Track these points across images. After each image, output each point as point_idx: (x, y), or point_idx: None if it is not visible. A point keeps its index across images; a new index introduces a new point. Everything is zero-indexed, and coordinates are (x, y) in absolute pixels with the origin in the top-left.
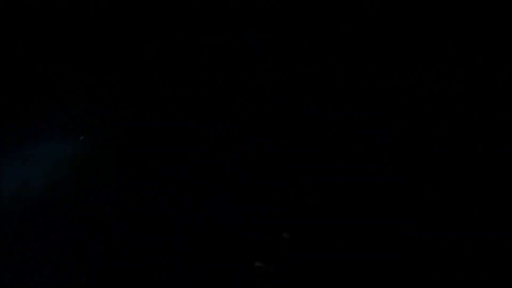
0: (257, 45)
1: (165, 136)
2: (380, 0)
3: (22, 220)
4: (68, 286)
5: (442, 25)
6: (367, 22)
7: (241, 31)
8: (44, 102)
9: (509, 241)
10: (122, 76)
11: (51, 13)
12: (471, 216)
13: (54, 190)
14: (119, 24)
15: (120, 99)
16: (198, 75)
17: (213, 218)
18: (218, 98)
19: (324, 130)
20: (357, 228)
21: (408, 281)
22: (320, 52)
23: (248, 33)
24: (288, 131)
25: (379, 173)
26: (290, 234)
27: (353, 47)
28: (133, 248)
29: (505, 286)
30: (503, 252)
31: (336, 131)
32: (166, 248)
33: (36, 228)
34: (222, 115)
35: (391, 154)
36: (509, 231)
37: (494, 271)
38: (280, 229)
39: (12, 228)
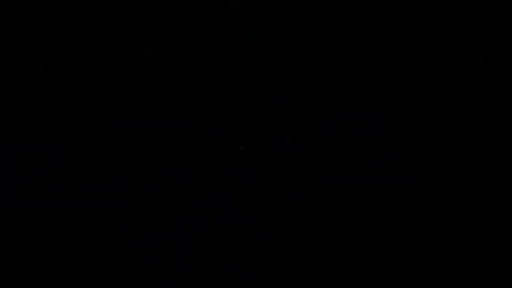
0: (257, 45)
1: (165, 136)
2: (380, 0)
3: (21, 220)
4: (68, 286)
5: (442, 25)
6: (367, 22)
7: (241, 31)
8: (44, 102)
9: (509, 241)
10: (122, 76)
11: (51, 13)
12: (471, 216)
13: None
14: (119, 24)
15: (120, 99)
16: (198, 75)
17: (213, 218)
18: (218, 98)
19: (324, 130)
20: (357, 228)
21: (408, 281)
22: (320, 52)
23: (248, 33)
24: (288, 131)
25: (379, 173)
26: (290, 234)
27: (353, 47)
28: (133, 248)
29: (505, 286)
30: (503, 252)
31: (336, 131)
32: (166, 248)
33: (36, 227)
34: (222, 115)
35: (391, 154)
36: (509, 231)
37: (494, 271)
38: (280, 229)
39: (10, 228)
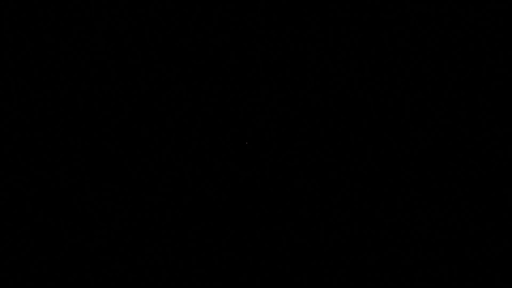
0: (257, 45)
1: (164, 136)
2: (380, 0)
3: (22, 219)
4: (68, 286)
5: (442, 25)
6: (367, 22)
7: (241, 31)
8: (44, 102)
9: (509, 241)
10: (122, 76)
11: (51, 13)
12: (471, 216)
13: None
14: (119, 24)
15: (120, 99)
16: (199, 75)
17: (213, 218)
18: (219, 98)
19: (324, 130)
20: (357, 228)
21: (408, 281)
22: (320, 52)
23: (248, 33)
24: (288, 131)
25: (378, 172)
26: (289, 232)
27: (353, 47)
28: (133, 248)
29: (505, 286)
30: (503, 252)
31: (336, 130)
32: (165, 248)
33: (35, 227)
34: (223, 115)
35: (390, 153)
36: (509, 231)
37: (494, 271)
38: (279, 228)
39: (11, 228)
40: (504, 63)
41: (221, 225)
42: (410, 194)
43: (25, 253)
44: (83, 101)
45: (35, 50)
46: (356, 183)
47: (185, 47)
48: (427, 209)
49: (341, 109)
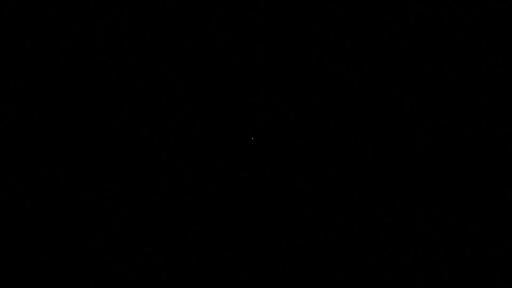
0: (257, 44)
1: (164, 136)
2: (380, 0)
3: (22, 219)
4: (68, 285)
5: (442, 25)
6: (367, 22)
7: (241, 31)
8: (44, 102)
9: (509, 241)
10: (122, 76)
11: (51, 13)
12: (471, 216)
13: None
14: (119, 24)
15: (120, 99)
16: (199, 75)
17: (213, 218)
18: (219, 98)
19: (324, 130)
20: (358, 229)
21: (408, 281)
22: (320, 52)
23: (248, 33)
24: (288, 131)
25: (378, 172)
26: (289, 231)
27: (353, 47)
28: (133, 248)
29: (505, 286)
30: (503, 252)
31: (336, 130)
32: (165, 248)
33: (34, 228)
34: (223, 115)
35: (390, 153)
36: (509, 231)
37: (494, 271)
38: (280, 228)
39: (12, 227)
40: (504, 63)
41: (221, 225)
42: (410, 194)
43: (25, 253)
44: (83, 101)
45: (35, 50)
46: (356, 183)
47: (185, 47)
48: (427, 209)
49: (341, 109)
